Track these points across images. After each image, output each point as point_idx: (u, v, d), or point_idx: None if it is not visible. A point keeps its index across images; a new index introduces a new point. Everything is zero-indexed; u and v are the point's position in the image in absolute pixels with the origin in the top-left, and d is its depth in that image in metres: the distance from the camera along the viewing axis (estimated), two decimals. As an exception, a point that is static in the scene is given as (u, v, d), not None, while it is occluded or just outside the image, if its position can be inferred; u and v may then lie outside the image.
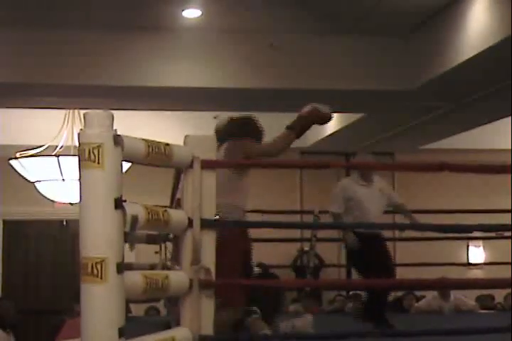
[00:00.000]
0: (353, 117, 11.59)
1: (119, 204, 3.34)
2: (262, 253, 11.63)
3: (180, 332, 3.90)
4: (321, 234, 9.99)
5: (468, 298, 10.37)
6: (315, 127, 12.21)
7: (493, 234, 10.02)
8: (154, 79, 9.33)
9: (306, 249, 10.92)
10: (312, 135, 13.21)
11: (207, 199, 4.07)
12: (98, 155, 3.30)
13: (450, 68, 8.54)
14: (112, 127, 3.38)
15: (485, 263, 11.96)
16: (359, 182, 7.37)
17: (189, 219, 3.99)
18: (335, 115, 12.24)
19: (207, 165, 4.05)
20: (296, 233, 11.21)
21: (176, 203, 5.12)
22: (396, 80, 9.39)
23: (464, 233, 8.30)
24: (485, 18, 7.76)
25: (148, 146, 3.63)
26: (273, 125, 13.37)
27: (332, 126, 12.41)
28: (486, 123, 11.86)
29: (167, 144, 3.79)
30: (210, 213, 4.07)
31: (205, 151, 4.08)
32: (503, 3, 7.46)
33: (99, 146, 3.31)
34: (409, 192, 12.88)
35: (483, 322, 6.02)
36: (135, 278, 3.53)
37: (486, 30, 7.75)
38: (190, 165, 4.01)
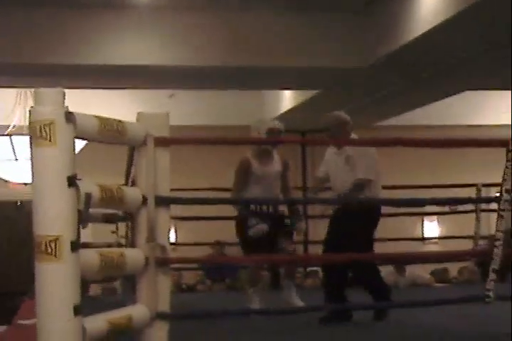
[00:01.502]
0: (308, 94, 11.60)
1: (72, 182, 3.31)
2: (222, 231, 11.74)
3: (137, 310, 3.90)
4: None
5: (423, 272, 10.50)
6: (270, 104, 12.35)
7: (447, 209, 10.12)
8: (108, 57, 9.25)
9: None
10: (268, 113, 13.22)
11: (161, 176, 4.05)
12: (50, 132, 3.26)
13: (404, 44, 8.58)
14: (64, 104, 3.34)
15: (440, 238, 12.10)
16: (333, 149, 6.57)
17: (143, 196, 3.97)
18: (290, 92, 12.31)
19: (160, 142, 4.03)
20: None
21: (131, 181, 5.10)
22: (351, 57, 9.42)
23: (418, 207, 8.36)
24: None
25: (101, 123, 3.59)
26: (229, 103, 13.44)
27: (287, 103, 12.42)
28: (441, 99, 11.96)
29: (120, 121, 3.76)
30: (164, 190, 4.06)
31: (159, 129, 4.06)
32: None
33: (50, 123, 3.27)
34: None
35: (437, 295, 6.11)
36: (90, 256, 3.52)
37: (439, 4, 7.78)
38: (144, 143, 3.99)
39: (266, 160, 6.47)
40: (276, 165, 6.55)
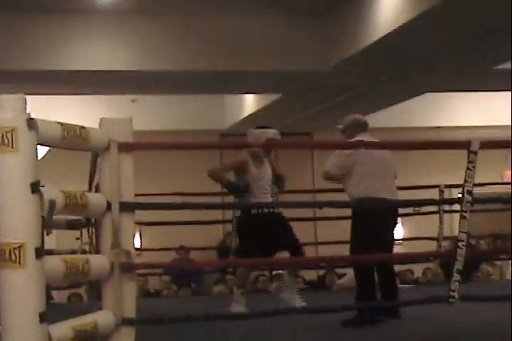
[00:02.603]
0: (270, 98, 11.63)
1: (35, 188, 3.30)
2: (188, 236, 11.74)
3: (103, 316, 3.88)
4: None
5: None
6: (232, 108, 12.30)
7: (410, 211, 10.19)
8: (71, 62, 9.22)
9: (229, 230, 10.96)
10: (230, 117, 13.25)
11: (125, 182, 4.04)
12: (12, 139, 3.24)
13: (365, 47, 8.65)
14: (26, 111, 3.33)
15: (403, 239, 12.15)
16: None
17: (108, 202, 3.96)
18: (252, 97, 12.33)
19: (124, 148, 4.03)
20: (220, 215, 11.24)
21: (95, 187, 5.09)
22: (313, 60, 9.46)
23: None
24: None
25: (64, 129, 3.58)
26: (192, 108, 13.41)
27: (250, 107, 12.44)
28: (403, 101, 12.06)
29: (83, 127, 3.75)
30: (128, 196, 4.05)
31: (122, 134, 4.05)
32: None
33: (12, 130, 3.25)
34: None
35: (402, 296, 6.16)
36: (55, 263, 3.50)
37: (399, 7, 7.85)
38: (107, 148, 3.98)
39: (259, 163, 6.65)
40: (268, 169, 6.72)
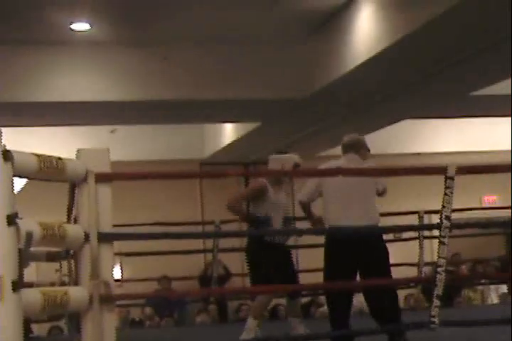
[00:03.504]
0: (249, 126, 11.65)
1: (12, 221, 3.28)
2: (169, 266, 11.67)
3: (82, 348, 3.86)
4: (225, 244, 9.97)
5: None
6: (212, 137, 12.23)
7: (391, 237, 10.19)
8: (47, 94, 9.21)
9: (211, 259, 10.93)
10: (210, 146, 13.26)
11: (103, 212, 4.03)
12: (-13, 171, 3.24)
13: (342, 74, 8.68)
14: (1, 142, 3.32)
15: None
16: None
17: (86, 233, 3.95)
18: (231, 125, 12.36)
19: (101, 178, 4.02)
20: (200, 244, 11.20)
21: (73, 218, 5.06)
22: (290, 88, 9.50)
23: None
24: (373, 24, 7.92)
25: (40, 161, 3.58)
26: (171, 137, 13.40)
27: (229, 136, 12.47)
28: (382, 128, 12.11)
29: (59, 158, 3.75)
30: (107, 226, 4.04)
31: (99, 165, 4.05)
32: (388, 9, 7.64)
33: (-12, 163, 3.24)
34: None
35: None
36: (33, 295, 3.47)
37: (375, 35, 7.91)
38: (85, 179, 3.97)
39: (278, 189, 6.62)
40: (285, 197, 6.78)
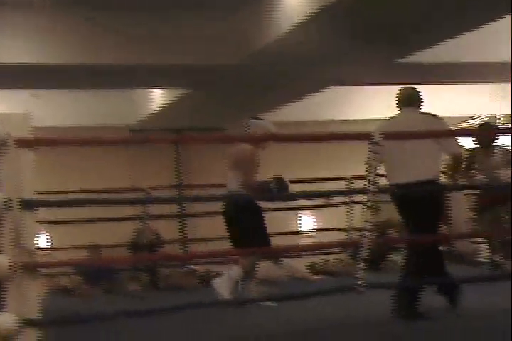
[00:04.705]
0: (180, 93, 11.55)
1: None
2: (98, 234, 11.55)
3: (4, 318, 3.79)
4: (157, 211, 9.92)
5: (300, 266, 10.62)
6: (142, 103, 12.00)
7: (322, 203, 10.26)
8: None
9: (142, 227, 10.89)
10: (138, 112, 13.11)
11: (25, 179, 3.95)
12: None
13: (273, 40, 8.65)
14: None
15: (314, 231, 12.25)
16: None
17: (7, 200, 3.86)
18: (161, 91, 12.23)
19: (23, 143, 3.93)
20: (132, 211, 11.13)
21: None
22: (219, 55, 9.42)
23: (289, 200, 8.35)
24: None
25: (-43, 126, 3.48)
26: (99, 103, 13.21)
27: (159, 102, 12.35)
28: (310, 95, 12.14)
29: (-22, 123, 3.65)
30: (29, 193, 3.96)
31: (21, 129, 3.96)
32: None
33: None
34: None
35: (313, 287, 6.22)
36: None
37: (301, 2, 7.89)
38: (4, 145, 3.88)
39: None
40: None
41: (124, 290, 10.80)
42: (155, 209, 9.63)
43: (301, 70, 9.93)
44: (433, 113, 5.60)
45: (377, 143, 4.62)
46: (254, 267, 6.69)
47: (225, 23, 9.43)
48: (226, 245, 10.11)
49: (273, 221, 11.64)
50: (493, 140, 7.24)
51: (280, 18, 8.40)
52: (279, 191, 6.64)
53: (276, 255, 9.51)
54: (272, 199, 6.75)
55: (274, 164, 13.72)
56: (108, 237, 11.08)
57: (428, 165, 5.37)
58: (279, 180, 6.67)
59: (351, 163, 13.21)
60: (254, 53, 9.22)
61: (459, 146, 5.64)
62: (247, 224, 6.51)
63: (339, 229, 9.34)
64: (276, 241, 7.37)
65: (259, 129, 6.66)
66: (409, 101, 5.62)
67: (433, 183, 5.34)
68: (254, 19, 9.03)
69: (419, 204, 5.27)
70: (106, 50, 9.17)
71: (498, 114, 13.53)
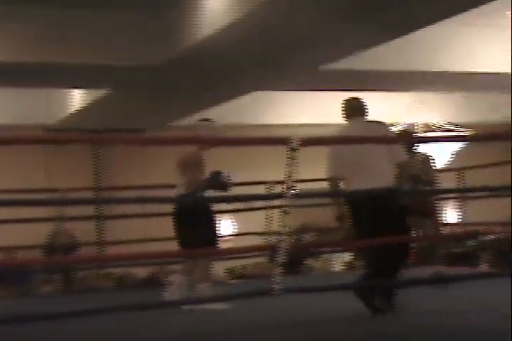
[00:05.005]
0: (98, 93, 11.44)
1: None
2: (13, 235, 11.33)
3: None
4: (74, 212, 9.79)
5: (218, 270, 10.65)
6: (60, 103, 11.81)
7: (241, 207, 10.29)
8: None
9: (57, 228, 10.77)
10: (55, 112, 12.94)
11: None
12: None
13: (196, 43, 8.62)
14: None
15: (233, 235, 12.27)
16: None
17: None
18: (80, 91, 12.09)
19: None
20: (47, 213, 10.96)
21: None
22: (140, 56, 9.36)
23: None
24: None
25: None
26: (17, 103, 12.98)
27: (78, 102, 12.21)
28: (232, 99, 12.17)
29: None
30: None
31: None
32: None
33: None
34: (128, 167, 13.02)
35: (232, 291, 6.27)
36: None
37: (228, 5, 7.88)
38: None
39: None
40: None
41: (38, 293, 10.67)
42: (72, 210, 9.51)
43: (223, 74, 9.93)
44: (379, 120, 5.79)
45: (294, 149, 4.65)
46: (194, 269, 6.68)
47: (148, 23, 9.37)
48: (143, 247, 10.06)
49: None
50: (412, 147, 7.36)
51: (205, 20, 8.39)
52: (218, 185, 6.71)
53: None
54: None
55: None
56: (23, 239, 10.90)
57: (385, 172, 5.59)
58: (216, 175, 6.73)
59: (270, 168, 13.34)
60: (177, 55, 9.19)
61: (404, 154, 5.85)
62: (192, 226, 6.53)
63: (258, 234, 9.37)
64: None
65: (207, 131, 6.69)
66: (355, 111, 5.83)
67: (389, 190, 5.56)
68: (179, 20, 8.99)
69: (377, 210, 5.47)
70: (25, 49, 9.01)
71: (416, 122, 13.77)
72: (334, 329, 5.18)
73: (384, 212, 5.48)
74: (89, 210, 11.91)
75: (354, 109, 5.82)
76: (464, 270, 8.89)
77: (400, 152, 5.73)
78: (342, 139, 5.60)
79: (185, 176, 6.56)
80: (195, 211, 6.47)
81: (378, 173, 5.55)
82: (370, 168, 5.55)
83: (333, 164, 5.72)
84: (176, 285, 6.51)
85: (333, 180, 5.78)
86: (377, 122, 5.81)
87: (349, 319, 5.53)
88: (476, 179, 8.97)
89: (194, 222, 6.47)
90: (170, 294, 6.41)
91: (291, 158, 4.67)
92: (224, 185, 6.64)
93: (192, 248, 6.34)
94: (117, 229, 12.52)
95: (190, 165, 6.56)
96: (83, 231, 11.94)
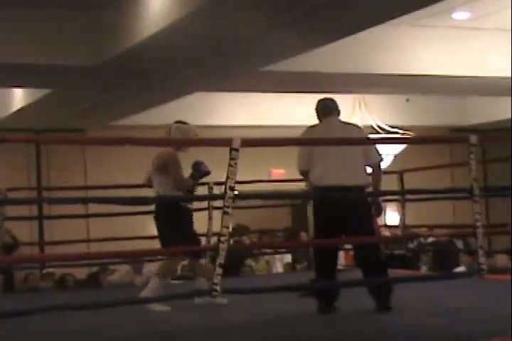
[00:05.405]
0: (39, 93, 11.33)
1: None
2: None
3: None
4: (13, 212, 9.69)
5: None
6: (0, 103, 11.62)
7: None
8: None
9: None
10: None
11: None
12: None
13: (135, 43, 8.60)
14: None
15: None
16: None
17: None
18: (20, 91, 11.97)
19: None
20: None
21: None
22: (79, 56, 9.28)
23: (142, 205, 8.27)
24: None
25: None
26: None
27: (18, 102, 12.10)
28: (173, 100, 12.17)
29: None
30: None
31: None
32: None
33: None
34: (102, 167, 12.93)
35: (170, 291, 6.27)
36: None
37: (166, 7, 7.88)
38: None
39: None
40: None
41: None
42: (11, 210, 9.41)
43: (163, 74, 9.92)
44: (353, 122, 5.97)
45: (237, 150, 4.70)
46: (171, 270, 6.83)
47: (89, 23, 9.32)
48: (83, 248, 10.04)
49: (130, 225, 11.67)
50: None
51: (146, 21, 8.38)
52: (204, 174, 6.81)
53: (138, 261, 9.54)
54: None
55: (137, 167, 13.71)
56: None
57: (358, 171, 5.76)
58: (198, 165, 6.77)
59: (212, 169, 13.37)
60: (118, 55, 9.15)
61: (379, 155, 5.97)
62: (168, 225, 6.56)
63: (200, 235, 9.37)
64: (135, 246, 7.36)
65: (182, 133, 6.71)
66: (328, 110, 5.99)
67: (362, 189, 5.76)
68: (120, 21, 8.97)
69: (349, 207, 5.62)
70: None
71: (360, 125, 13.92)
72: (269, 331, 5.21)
73: (353, 209, 5.62)
74: (32, 211, 11.88)
75: (326, 109, 6.00)
76: (404, 272, 9.01)
77: (374, 153, 5.88)
78: (283, 141, 5.62)
79: (166, 176, 6.55)
80: (179, 210, 6.54)
81: (350, 171, 5.69)
82: (342, 165, 5.69)
83: (302, 158, 5.85)
84: (149, 288, 6.50)
85: (303, 172, 5.91)
86: (351, 124, 6.05)
87: (289, 320, 5.59)
88: (415, 182, 9.10)
89: (178, 221, 6.55)
90: (146, 294, 6.40)
91: (233, 159, 4.71)
92: (208, 172, 6.79)
93: (175, 246, 6.37)
94: (57, 230, 12.46)
95: (171, 165, 6.56)
96: (24, 231, 11.86)
